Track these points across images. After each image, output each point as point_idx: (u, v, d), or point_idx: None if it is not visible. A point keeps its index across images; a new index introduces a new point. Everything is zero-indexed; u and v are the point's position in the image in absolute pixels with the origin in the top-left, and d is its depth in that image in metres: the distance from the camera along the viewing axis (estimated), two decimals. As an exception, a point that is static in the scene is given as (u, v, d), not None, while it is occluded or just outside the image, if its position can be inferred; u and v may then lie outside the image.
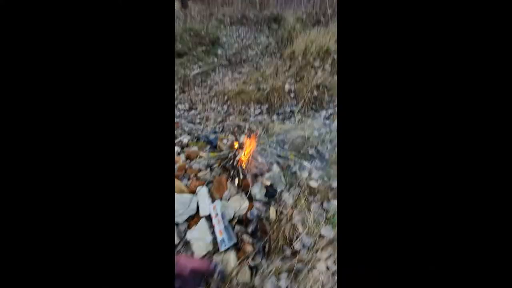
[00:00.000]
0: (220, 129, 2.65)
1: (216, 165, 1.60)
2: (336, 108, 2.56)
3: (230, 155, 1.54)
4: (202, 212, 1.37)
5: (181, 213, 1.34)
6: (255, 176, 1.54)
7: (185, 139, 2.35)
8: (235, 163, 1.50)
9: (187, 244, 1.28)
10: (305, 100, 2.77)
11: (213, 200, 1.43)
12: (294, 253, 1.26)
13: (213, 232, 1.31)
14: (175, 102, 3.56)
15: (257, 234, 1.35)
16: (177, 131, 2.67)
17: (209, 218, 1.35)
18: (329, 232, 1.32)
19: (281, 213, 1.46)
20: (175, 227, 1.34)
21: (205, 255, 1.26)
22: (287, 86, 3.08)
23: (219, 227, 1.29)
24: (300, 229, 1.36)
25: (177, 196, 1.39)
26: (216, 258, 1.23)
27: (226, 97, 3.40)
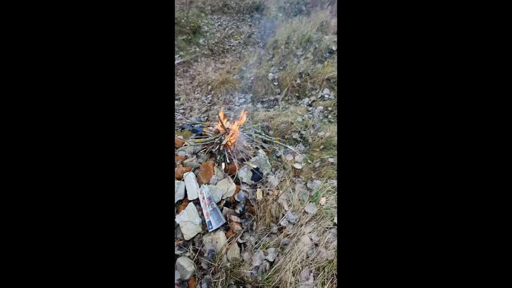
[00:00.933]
0: (205, 118, 2.65)
1: (202, 151, 1.62)
2: (318, 95, 2.64)
3: (216, 140, 1.56)
4: (191, 196, 1.39)
5: (169, 198, 1.36)
6: (242, 161, 1.59)
7: (169, 128, 2.33)
8: (221, 148, 1.53)
9: (176, 228, 1.31)
10: (288, 88, 2.82)
11: (200, 185, 1.46)
12: (280, 229, 1.34)
13: (202, 215, 1.34)
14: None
15: (245, 214, 1.40)
16: (161, 122, 2.63)
17: (197, 201, 1.39)
18: (313, 208, 1.41)
19: (267, 194, 1.52)
20: (164, 212, 1.36)
21: (195, 236, 1.30)
22: (270, 75, 3.11)
23: (206, 210, 1.33)
24: (286, 207, 1.44)
25: (164, 182, 1.40)
26: (206, 238, 1.27)
27: (210, 87, 3.37)
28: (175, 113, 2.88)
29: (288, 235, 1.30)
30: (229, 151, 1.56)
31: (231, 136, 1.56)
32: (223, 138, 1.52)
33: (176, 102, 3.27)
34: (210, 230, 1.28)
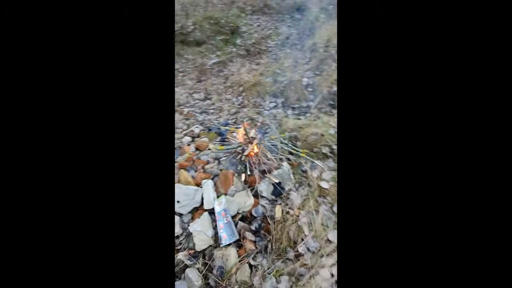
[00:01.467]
0: (233, 120, 2.61)
1: (224, 158, 1.56)
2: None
3: (238, 149, 1.49)
4: (206, 206, 1.35)
5: (184, 204, 1.33)
6: (263, 173, 1.49)
7: (197, 129, 2.34)
8: (242, 158, 1.45)
9: (189, 236, 1.28)
10: (323, 95, 2.63)
11: (218, 194, 1.40)
12: (298, 256, 1.21)
13: (215, 227, 1.28)
14: (191, 92, 3.56)
15: (260, 233, 1.30)
16: (190, 121, 2.68)
17: (212, 211, 1.33)
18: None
19: (287, 212, 1.40)
20: (179, 217, 1.34)
21: (206, 249, 1.24)
22: (305, 80, 2.94)
23: (220, 222, 1.27)
24: (306, 231, 1.30)
25: (182, 187, 1.38)
26: (217, 252, 1.21)
27: (241, 89, 3.34)
28: (205, 113, 2.91)
29: (305, 264, 1.16)
30: (251, 161, 1.48)
31: (254, 146, 1.47)
32: (245, 148, 1.44)
33: (207, 101, 3.31)
34: (221, 245, 1.22)
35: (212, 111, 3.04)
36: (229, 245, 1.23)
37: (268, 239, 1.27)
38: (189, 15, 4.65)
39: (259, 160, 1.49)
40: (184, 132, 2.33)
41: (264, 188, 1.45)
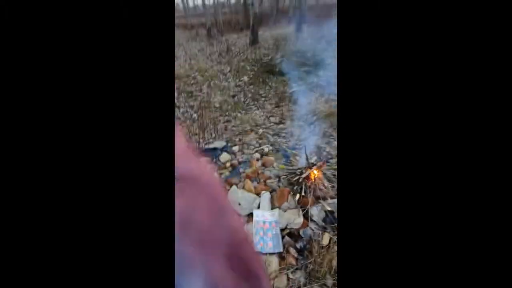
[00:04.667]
0: (300, 146, 2.78)
1: (283, 177, 1.76)
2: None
3: (297, 171, 1.66)
4: (255, 213, 1.56)
5: (244, 208, 1.59)
6: (317, 198, 1.58)
7: (266, 148, 2.66)
8: (300, 180, 1.61)
9: (242, 235, 1.51)
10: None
11: (272, 206, 1.60)
12: (335, 286, 1.22)
13: (263, 234, 1.47)
14: (269, 115, 4.00)
15: (304, 253, 1.39)
16: (263, 141, 3.04)
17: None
18: (384, 284, 1.17)
19: (335, 242, 1.42)
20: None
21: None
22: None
23: (269, 232, 1.44)
24: (350, 266, 1.28)
25: (245, 193, 1.66)
26: (261, 256, 1.38)
27: (315, 118, 3.50)
28: (277, 135, 3.22)
29: (342, 297, 1.16)
30: (308, 184, 1.61)
31: (313, 171, 1.60)
32: (304, 171, 1.59)
33: (281, 125, 3.64)
34: (265, 251, 1.38)
35: (284, 134, 3.33)
36: (272, 253, 1.38)
37: (310, 261, 1.34)
38: (279, 48, 5.30)
39: (315, 185, 1.60)
40: (256, 149, 2.69)
41: (316, 212, 1.53)
